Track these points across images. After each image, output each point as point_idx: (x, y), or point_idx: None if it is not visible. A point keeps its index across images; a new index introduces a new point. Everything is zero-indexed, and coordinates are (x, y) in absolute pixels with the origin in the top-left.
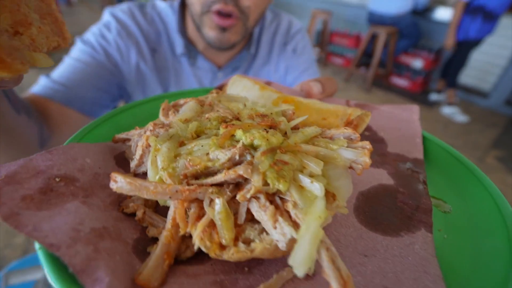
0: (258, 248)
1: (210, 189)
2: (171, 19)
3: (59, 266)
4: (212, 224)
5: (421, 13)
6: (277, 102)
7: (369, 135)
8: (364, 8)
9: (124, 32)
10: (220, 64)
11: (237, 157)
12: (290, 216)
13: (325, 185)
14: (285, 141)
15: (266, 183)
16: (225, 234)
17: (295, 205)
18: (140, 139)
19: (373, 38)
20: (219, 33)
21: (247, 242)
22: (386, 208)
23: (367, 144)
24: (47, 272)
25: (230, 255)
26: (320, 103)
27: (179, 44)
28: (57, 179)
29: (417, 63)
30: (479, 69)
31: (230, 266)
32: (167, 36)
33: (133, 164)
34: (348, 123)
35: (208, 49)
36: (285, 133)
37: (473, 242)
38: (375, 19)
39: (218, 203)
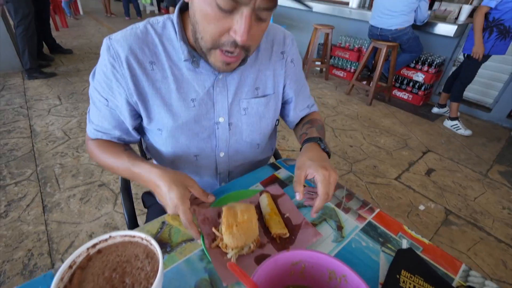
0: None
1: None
2: (170, 30)
3: None
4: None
5: (422, 27)
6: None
7: None
8: (365, 22)
9: (117, 63)
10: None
11: None
12: None
13: None
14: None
15: None
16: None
17: None
18: None
19: (375, 51)
20: (223, 65)
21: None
22: None
23: None
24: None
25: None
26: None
27: (182, 51)
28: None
29: (419, 77)
30: (481, 83)
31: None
32: (163, 46)
33: None
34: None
35: None
36: None
37: None
38: (375, 34)
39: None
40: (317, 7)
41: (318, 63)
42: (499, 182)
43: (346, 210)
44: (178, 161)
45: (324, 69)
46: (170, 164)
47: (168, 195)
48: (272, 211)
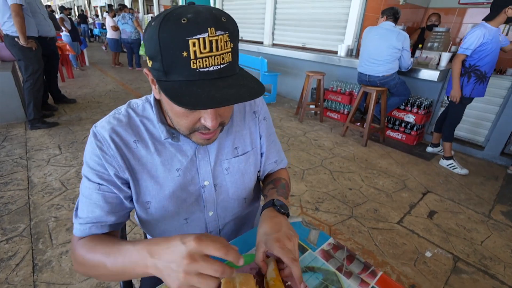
0: None
1: None
2: (149, 111)
3: None
4: None
5: (408, 73)
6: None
7: None
8: (354, 68)
9: (104, 145)
10: None
11: None
12: None
13: None
14: None
15: None
16: None
17: None
18: None
19: (366, 95)
20: (204, 141)
21: None
22: None
23: None
24: None
25: None
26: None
27: (162, 131)
28: None
29: (410, 118)
30: (470, 123)
31: None
32: (145, 126)
33: None
34: None
35: None
36: None
37: None
38: (364, 80)
39: None
40: (308, 56)
41: (312, 106)
42: (503, 224)
43: (348, 275)
44: (169, 226)
45: (318, 112)
46: (162, 232)
47: (181, 243)
48: (276, 277)
